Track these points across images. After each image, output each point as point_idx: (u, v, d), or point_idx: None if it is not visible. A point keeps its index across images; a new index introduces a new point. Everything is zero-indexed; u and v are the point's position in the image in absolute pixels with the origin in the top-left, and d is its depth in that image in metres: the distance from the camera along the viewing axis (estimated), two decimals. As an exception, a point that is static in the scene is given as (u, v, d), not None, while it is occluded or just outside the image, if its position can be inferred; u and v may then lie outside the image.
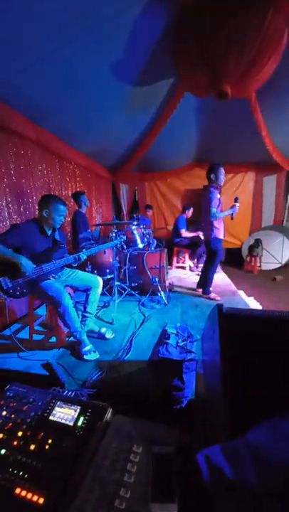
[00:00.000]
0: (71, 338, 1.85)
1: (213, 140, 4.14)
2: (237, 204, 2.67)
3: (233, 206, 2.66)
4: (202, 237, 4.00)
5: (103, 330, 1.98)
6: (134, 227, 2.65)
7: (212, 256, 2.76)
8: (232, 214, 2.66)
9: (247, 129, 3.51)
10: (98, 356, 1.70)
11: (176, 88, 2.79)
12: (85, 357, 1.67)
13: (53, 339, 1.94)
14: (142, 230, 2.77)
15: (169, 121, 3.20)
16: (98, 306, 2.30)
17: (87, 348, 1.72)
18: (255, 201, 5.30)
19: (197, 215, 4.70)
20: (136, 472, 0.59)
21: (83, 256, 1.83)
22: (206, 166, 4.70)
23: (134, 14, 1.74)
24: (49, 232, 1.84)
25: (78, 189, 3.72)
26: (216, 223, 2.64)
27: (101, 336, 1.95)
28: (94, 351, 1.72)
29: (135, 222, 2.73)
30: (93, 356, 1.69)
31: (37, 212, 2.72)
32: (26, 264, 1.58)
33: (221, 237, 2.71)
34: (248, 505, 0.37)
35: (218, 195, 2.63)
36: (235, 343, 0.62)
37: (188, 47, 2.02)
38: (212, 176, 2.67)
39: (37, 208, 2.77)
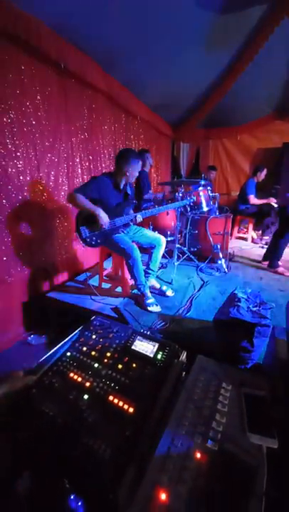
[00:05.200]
0: (134, 291, 1.99)
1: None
2: None
3: None
4: (274, 205, 3.53)
5: (164, 287, 2.05)
6: (201, 188, 2.47)
7: (287, 225, 2.42)
8: None
9: None
10: (160, 310, 1.80)
11: (271, 14, 2.21)
12: (149, 308, 1.79)
13: (119, 289, 2.12)
14: (209, 192, 2.57)
15: (255, 57, 2.64)
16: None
17: (151, 300, 1.82)
18: None
19: (269, 179, 4.09)
20: (228, 404, 0.61)
21: (139, 218, 1.82)
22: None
23: None
24: (121, 187, 1.87)
25: (140, 148, 3.60)
26: None
27: (162, 293, 2.03)
28: (156, 304, 1.82)
29: (203, 182, 2.54)
30: (156, 309, 1.79)
31: (104, 171, 2.81)
32: (104, 216, 1.67)
33: (304, 204, 2.31)
34: None
35: None
36: None
37: None
38: None
39: (104, 166, 2.86)
